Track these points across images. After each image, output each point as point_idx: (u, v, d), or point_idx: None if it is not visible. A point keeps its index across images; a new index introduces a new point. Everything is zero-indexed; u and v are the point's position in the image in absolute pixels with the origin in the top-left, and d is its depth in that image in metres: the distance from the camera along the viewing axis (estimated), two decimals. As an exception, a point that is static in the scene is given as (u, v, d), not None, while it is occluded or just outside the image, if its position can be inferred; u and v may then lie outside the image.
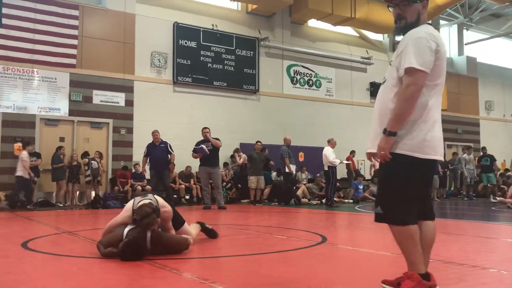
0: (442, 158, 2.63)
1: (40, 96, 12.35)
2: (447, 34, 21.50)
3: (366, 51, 18.16)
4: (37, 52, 12.30)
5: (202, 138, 11.04)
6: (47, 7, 12.49)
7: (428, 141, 2.53)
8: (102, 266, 3.65)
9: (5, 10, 12.01)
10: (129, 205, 4.24)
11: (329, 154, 11.57)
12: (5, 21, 12.00)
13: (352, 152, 15.76)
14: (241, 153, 14.25)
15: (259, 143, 12.97)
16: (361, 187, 14.78)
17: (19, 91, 12.11)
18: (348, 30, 18.24)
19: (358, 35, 18.58)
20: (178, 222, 4.53)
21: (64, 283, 3.10)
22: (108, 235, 4.08)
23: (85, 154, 12.26)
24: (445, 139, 18.71)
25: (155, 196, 4.34)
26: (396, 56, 2.63)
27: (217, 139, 11.05)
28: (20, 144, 11.85)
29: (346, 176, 15.87)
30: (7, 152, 11.86)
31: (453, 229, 6.60)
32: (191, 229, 4.82)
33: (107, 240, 3.97)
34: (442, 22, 20.87)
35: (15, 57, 12.06)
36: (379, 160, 2.62)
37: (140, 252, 3.73)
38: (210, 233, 5.14)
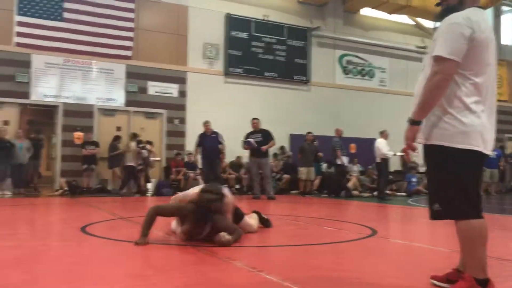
0: (487, 151, 2.44)
1: (98, 87, 12.85)
2: (511, 20, 20.39)
3: (422, 40, 17.58)
4: (95, 45, 12.78)
5: (252, 129, 11.13)
6: (104, 1, 12.92)
7: (467, 131, 2.38)
8: (156, 251, 3.79)
9: (66, 5, 12.54)
10: (197, 187, 4.38)
11: (382, 146, 11.37)
12: (65, 15, 12.54)
13: None
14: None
15: (310, 134, 12.89)
16: (414, 180, 14.39)
17: (79, 82, 12.64)
18: (403, 18, 17.71)
19: (413, 23, 18.00)
20: (237, 216, 4.60)
21: (120, 267, 3.24)
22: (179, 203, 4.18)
23: (139, 142, 12.52)
24: (506, 131, 17.95)
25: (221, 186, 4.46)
26: (433, 43, 2.52)
27: (268, 131, 11.08)
28: (80, 133, 12.40)
29: (401, 169, 15.53)
30: (67, 140, 12.44)
31: (511, 225, 6.33)
32: (252, 220, 4.90)
33: (176, 207, 4.11)
34: (504, 8, 19.82)
35: (75, 49, 12.58)
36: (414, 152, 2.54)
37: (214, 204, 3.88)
38: (265, 223, 5.21)
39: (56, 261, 3.38)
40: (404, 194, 13.73)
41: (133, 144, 11.91)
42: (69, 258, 3.50)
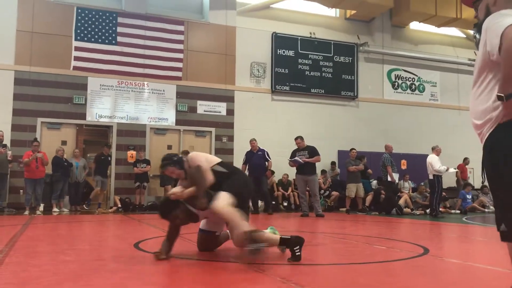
0: None
1: (150, 107, 13.30)
2: None
3: (474, 52, 17.04)
4: (147, 67, 13.28)
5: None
6: (155, 24, 13.44)
7: None
8: (203, 267, 3.85)
9: (119, 29, 13.13)
10: None
11: (434, 162, 11.07)
12: (119, 39, 13.12)
13: (465, 160, 14.88)
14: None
15: (353, 151, 12.72)
16: (469, 197, 13.87)
17: (132, 102, 13.14)
18: (453, 31, 17.31)
19: (464, 36, 17.55)
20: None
21: (172, 282, 3.32)
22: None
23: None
24: None
25: (192, 155, 4.63)
26: (481, 47, 2.41)
27: (313, 147, 11.03)
28: (133, 152, 12.81)
29: (454, 186, 15.03)
30: (121, 159, 12.89)
31: None
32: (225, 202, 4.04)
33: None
34: None
35: (128, 71, 13.13)
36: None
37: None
38: (288, 245, 4.10)
39: (111, 276, 3.50)
40: (458, 211, 13.26)
41: None
42: (123, 273, 3.62)
